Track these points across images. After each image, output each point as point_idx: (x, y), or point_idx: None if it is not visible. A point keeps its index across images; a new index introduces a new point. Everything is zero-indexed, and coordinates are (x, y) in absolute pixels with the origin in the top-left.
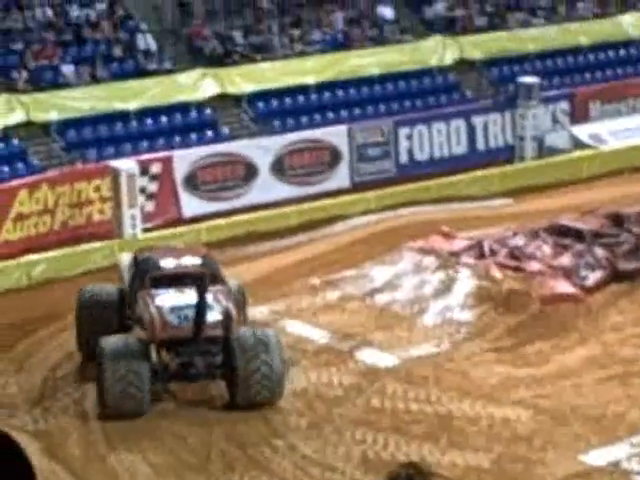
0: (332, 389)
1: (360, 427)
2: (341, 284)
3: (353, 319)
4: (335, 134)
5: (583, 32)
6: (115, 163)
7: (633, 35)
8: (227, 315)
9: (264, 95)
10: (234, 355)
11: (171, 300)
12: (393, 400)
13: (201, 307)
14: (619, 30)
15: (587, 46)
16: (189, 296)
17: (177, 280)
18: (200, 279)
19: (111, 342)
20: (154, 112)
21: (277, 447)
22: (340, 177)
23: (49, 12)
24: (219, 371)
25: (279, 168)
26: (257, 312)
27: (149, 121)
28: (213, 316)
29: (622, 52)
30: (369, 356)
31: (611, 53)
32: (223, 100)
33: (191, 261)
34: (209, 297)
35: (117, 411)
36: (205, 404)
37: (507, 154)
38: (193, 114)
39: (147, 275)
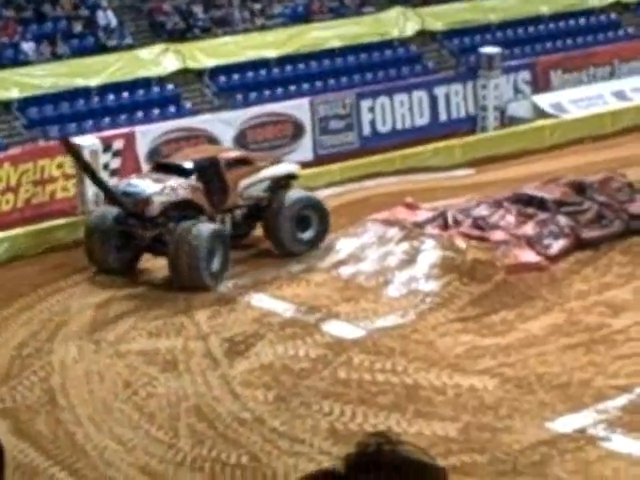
0: (298, 362)
1: (327, 399)
2: (305, 256)
3: (318, 291)
4: (297, 107)
5: (544, 1)
6: (77, 140)
7: (593, 4)
8: (142, 198)
9: (226, 69)
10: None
11: (138, 180)
12: (360, 372)
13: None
14: None
15: (548, 15)
16: (153, 181)
17: (170, 168)
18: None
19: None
20: (116, 88)
21: (245, 421)
22: (303, 150)
23: None
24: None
25: (242, 142)
26: (222, 286)
27: (111, 97)
28: (140, 195)
29: (583, 21)
30: (335, 328)
31: (572, 22)
32: (185, 75)
33: (195, 156)
34: (153, 183)
35: None
36: (173, 377)
37: (469, 124)
38: (155, 89)
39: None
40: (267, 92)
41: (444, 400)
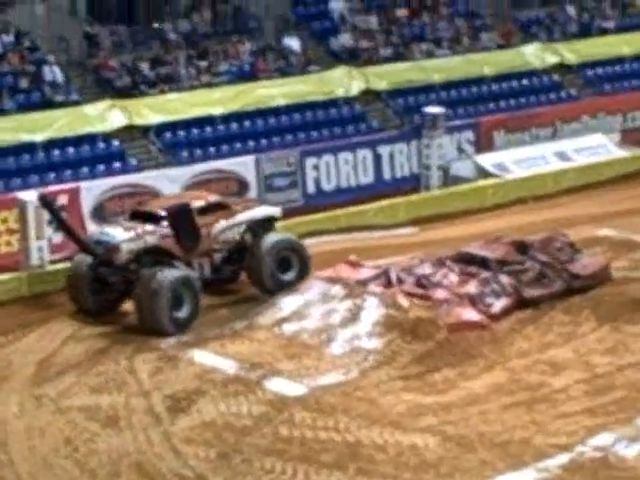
0: (241, 419)
1: (269, 457)
2: (249, 313)
3: (261, 348)
4: (242, 164)
5: (487, 62)
6: (22, 195)
7: (535, 65)
8: (110, 246)
9: (172, 126)
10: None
11: (110, 228)
12: (302, 429)
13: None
14: (522, 60)
15: (491, 76)
16: (124, 229)
17: (143, 216)
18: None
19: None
20: (61, 143)
21: (186, 478)
22: None
23: None
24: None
25: None
26: (162, 343)
27: (56, 152)
28: (109, 243)
29: (525, 82)
30: (277, 385)
31: (514, 83)
32: (130, 131)
33: (167, 204)
34: (123, 232)
35: None
36: (114, 434)
37: (413, 183)
38: (100, 145)
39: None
40: (212, 149)
41: (385, 458)
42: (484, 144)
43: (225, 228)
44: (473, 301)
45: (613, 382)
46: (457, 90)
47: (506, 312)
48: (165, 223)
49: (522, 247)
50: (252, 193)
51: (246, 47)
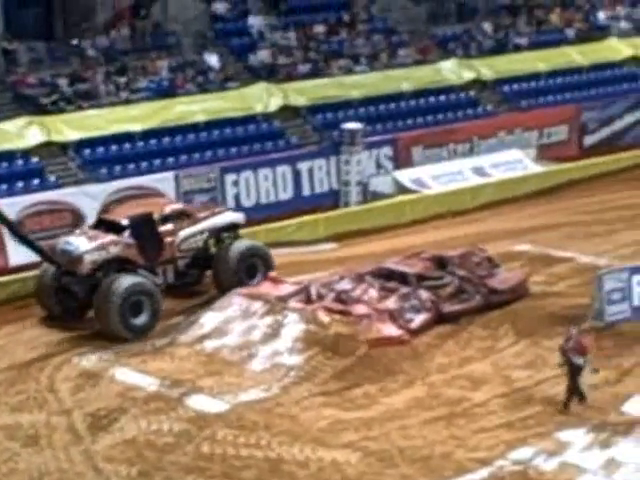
0: (162, 437)
1: (190, 474)
2: (170, 330)
3: (182, 366)
4: (162, 181)
5: (404, 78)
6: None
7: (453, 81)
8: (74, 257)
9: (90, 143)
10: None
11: (74, 238)
12: (223, 446)
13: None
14: (439, 76)
15: (409, 92)
16: (87, 238)
17: (107, 225)
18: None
19: None
20: None
21: None
22: None
23: None
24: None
25: None
26: (86, 361)
27: None
28: (73, 254)
29: (443, 98)
30: (199, 402)
31: (432, 99)
32: (49, 148)
33: (130, 212)
34: (87, 242)
35: None
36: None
37: (332, 199)
38: (19, 162)
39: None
40: (132, 165)
41: (307, 474)
42: (402, 160)
43: (188, 236)
44: (393, 316)
45: (532, 396)
46: (375, 106)
47: (425, 327)
48: (127, 233)
49: (441, 262)
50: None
51: (165, 63)
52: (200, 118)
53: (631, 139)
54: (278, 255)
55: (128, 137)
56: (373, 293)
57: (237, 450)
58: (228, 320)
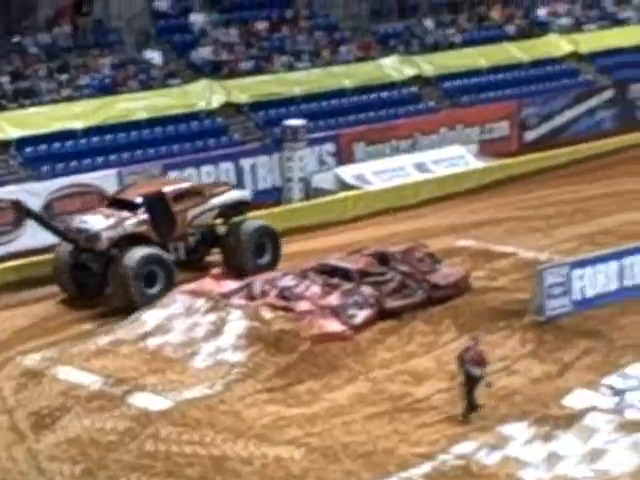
0: (106, 435)
1: (135, 472)
2: (113, 328)
3: (125, 363)
4: (105, 178)
5: (346, 75)
6: None
7: (394, 78)
8: (91, 234)
9: (32, 140)
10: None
11: (89, 216)
12: (167, 443)
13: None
14: (381, 73)
15: (350, 89)
16: (103, 216)
17: (120, 204)
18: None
19: None
20: None
21: None
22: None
23: None
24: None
25: (50, 213)
26: (28, 359)
27: None
28: (90, 232)
29: (384, 94)
30: (142, 400)
31: (374, 95)
32: None
33: (137, 194)
34: (103, 219)
35: None
36: None
37: (275, 196)
38: None
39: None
40: (74, 163)
41: (251, 470)
42: (345, 156)
43: (198, 213)
44: (336, 312)
45: None
46: (318, 102)
47: (368, 323)
48: (142, 210)
49: (383, 258)
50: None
51: (107, 61)
52: (142, 115)
53: (571, 135)
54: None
55: (70, 134)
56: (316, 289)
57: (181, 448)
58: (171, 317)
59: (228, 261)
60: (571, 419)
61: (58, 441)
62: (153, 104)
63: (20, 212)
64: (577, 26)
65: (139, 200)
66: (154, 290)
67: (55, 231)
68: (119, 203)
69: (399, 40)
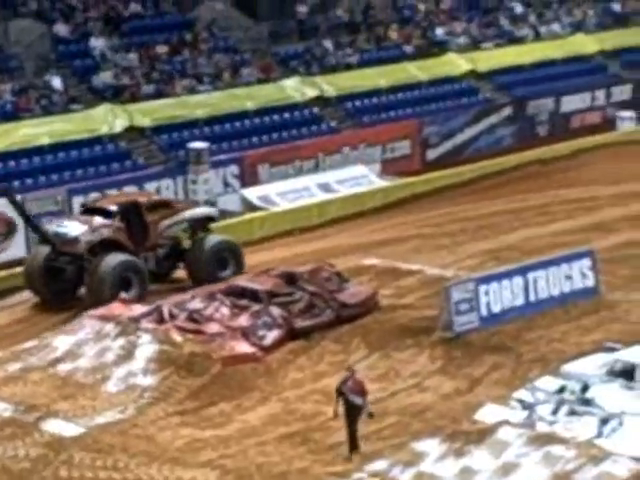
0: (18, 462)
1: None
2: (23, 355)
3: (36, 390)
4: (8, 205)
5: (249, 97)
6: None
7: (296, 99)
8: (70, 238)
9: None
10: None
11: (67, 221)
12: (81, 470)
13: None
14: (282, 94)
15: (253, 110)
16: (80, 222)
17: (95, 211)
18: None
19: None
20: None
21: None
22: (16, 247)
23: None
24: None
25: None
26: None
27: None
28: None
29: (287, 115)
30: (54, 426)
31: (276, 117)
32: None
33: (113, 202)
34: (80, 225)
35: None
36: None
37: None
38: None
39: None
40: None
41: None
42: (249, 178)
43: (171, 225)
44: (245, 334)
45: (386, 408)
46: (220, 125)
47: (278, 343)
48: (117, 218)
49: (291, 278)
50: (20, 233)
51: (7, 87)
52: (45, 141)
53: (472, 152)
54: None
55: None
56: (225, 311)
57: (95, 473)
58: (81, 343)
59: (190, 275)
60: (483, 434)
61: None
62: (55, 129)
63: (6, 198)
64: (475, 45)
65: (114, 208)
66: (129, 295)
67: (35, 229)
68: (94, 211)
69: (299, 61)
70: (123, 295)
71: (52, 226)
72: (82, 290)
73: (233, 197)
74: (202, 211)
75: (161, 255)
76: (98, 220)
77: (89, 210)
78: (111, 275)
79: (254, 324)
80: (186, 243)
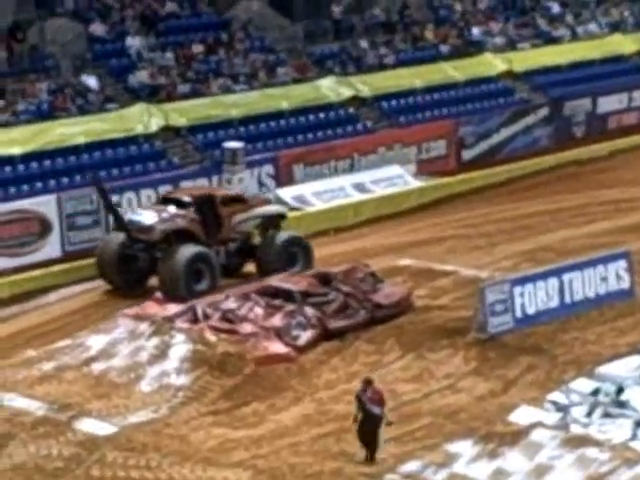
0: (52, 461)
1: None
2: (57, 354)
3: (70, 389)
4: (44, 204)
5: (284, 97)
6: None
7: (332, 99)
8: (146, 226)
9: None
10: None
11: (143, 210)
12: (113, 469)
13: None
14: (318, 94)
15: (288, 110)
16: (156, 211)
17: (171, 202)
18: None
19: None
20: None
21: None
22: (51, 247)
23: None
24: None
25: None
26: None
27: None
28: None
29: (322, 115)
30: (88, 425)
31: (312, 117)
32: None
33: (188, 194)
34: (156, 214)
35: None
36: None
37: None
38: None
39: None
40: (13, 189)
41: None
42: (284, 177)
43: (243, 220)
44: (279, 334)
45: (419, 409)
46: (256, 125)
47: (312, 344)
48: (192, 209)
49: (325, 279)
50: (55, 233)
51: (43, 86)
52: (81, 140)
53: (508, 152)
54: None
55: (9, 160)
56: (259, 311)
57: (127, 472)
58: (115, 342)
59: (260, 271)
60: (516, 436)
61: (4, 468)
62: (91, 129)
63: (95, 185)
64: (511, 45)
65: (190, 199)
66: (200, 286)
67: (117, 217)
68: (170, 202)
69: (335, 61)
70: (157, 294)
71: (128, 214)
72: (152, 280)
73: (268, 197)
74: (274, 209)
75: (232, 249)
76: (173, 210)
77: (165, 200)
78: (184, 266)
79: (288, 324)
80: (256, 239)
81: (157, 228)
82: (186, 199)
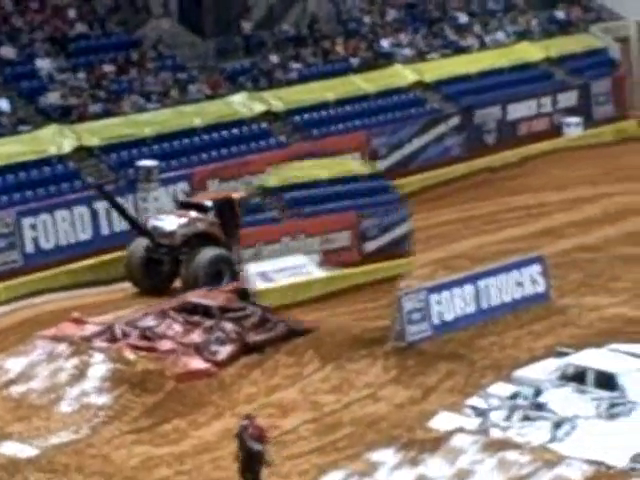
0: None
1: None
2: None
3: None
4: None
5: (196, 114)
6: None
7: (244, 114)
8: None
9: None
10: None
11: (164, 215)
12: None
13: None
14: (230, 110)
15: (201, 127)
16: (177, 216)
17: (191, 206)
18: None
19: None
20: None
21: None
22: None
23: None
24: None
25: None
26: None
27: None
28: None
29: (235, 131)
30: (8, 449)
31: (225, 133)
32: None
33: (208, 198)
34: (177, 218)
35: None
36: None
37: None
38: None
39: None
40: None
41: None
42: None
43: None
44: (199, 350)
45: (340, 419)
46: (169, 142)
47: (232, 358)
48: (212, 212)
49: (243, 294)
50: None
51: None
52: None
53: (421, 162)
54: (81, 296)
55: None
56: (177, 328)
57: None
58: (33, 364)
59: None
60: (437, 442)
61: None
62: (4, 151)
63: (101, 194)
64: (420, 55)
65: (209, 203)
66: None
67: (133, 224)
68: (189, 206)
69: (247, 77)
70: (75, 314)
71: (151, 219)
72: (177, 282)
73: None
74: None
75: None
76: (193, 214)
77: (185, 205)
78: (205, 267)
79: (207, 340)
80: None
81: (178, 232)
82: (206, 203)
